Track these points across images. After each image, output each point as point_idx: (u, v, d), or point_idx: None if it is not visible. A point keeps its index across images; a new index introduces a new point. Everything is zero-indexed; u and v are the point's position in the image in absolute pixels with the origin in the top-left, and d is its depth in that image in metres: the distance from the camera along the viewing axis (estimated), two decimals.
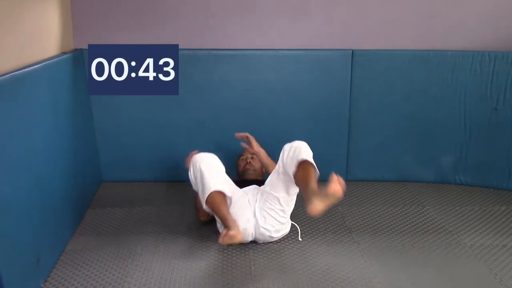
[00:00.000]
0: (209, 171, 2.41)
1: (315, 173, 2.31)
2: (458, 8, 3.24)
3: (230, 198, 2.41)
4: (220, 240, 2.19)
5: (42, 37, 2.65)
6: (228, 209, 2.35)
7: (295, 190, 2.49)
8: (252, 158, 3.06)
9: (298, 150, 2.38)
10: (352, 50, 3.24)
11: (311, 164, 2.34)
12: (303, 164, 2.33)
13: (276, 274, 2.34)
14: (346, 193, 3.27)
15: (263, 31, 3.28)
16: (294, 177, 2.36)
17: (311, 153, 2.44)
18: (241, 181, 2.81)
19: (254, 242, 2.59)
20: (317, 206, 2.08)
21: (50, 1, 2.78)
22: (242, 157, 3.12)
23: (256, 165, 3.05)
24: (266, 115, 3.36)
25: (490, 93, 3.20)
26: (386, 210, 3.05)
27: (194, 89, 3.25)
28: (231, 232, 2.17)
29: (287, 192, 2.49)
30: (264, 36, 3.29)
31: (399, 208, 3.09)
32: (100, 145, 3.35)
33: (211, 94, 3.30)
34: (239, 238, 2.19)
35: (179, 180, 3.42)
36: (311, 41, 3.29)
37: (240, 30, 3.27)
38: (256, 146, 2.95)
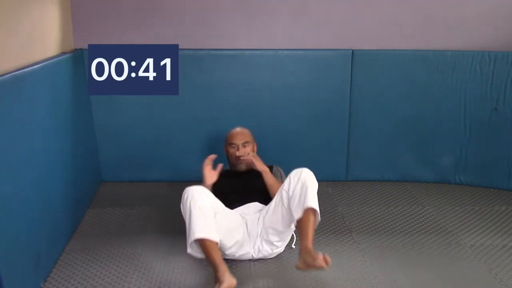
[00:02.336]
0: (197, 214, 2.23)
1: (316, 221, 2.25)
2: (458, 8, 3.24)
3: (217, 243, 2.22)
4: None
5: (42, 37, 2.65)
6: (220, 255, 2.19)
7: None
8: (243, 146, 2.75)
9: (305, 191, 2.24)
10: (352, 50, 3.24)
11: (315, 212, 2.24)
12: (307, 211, 2.22)
13: (276, 274, 2.34)
14: (346, 193, 3.30)
15: (263, 31, 3.28)
16: (297, 222, 2.25)
17: (316, 185, 2.32)
18: (233, 174, 2.75)
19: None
20: (301, 266, 2.11)
21: (50, 1, 2.78)
22: (233, 146, 2.78)
23: (247, 156, 2.73)
24: (266, 115, 3.36)
25: (490, 93, 3.20)
26: (386, 210, 3.05)
27: (194, 89, 3.25)
28: (225, 286, 2.02)
29: (289, 226, 2.39)
30: (264, 36, 3.29)
31: (399, 208, 3.09)
32: (100, 145, 3.35)
33: (211, 94, 3.30)
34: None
35: (179, 180, 3.42)
36: (311, 41, 3.29)
37: (240, 30, 3.27)
38: (260, 166, 2.65)
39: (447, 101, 3.28)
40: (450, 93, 3.26)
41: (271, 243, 2.42)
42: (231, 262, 2.42)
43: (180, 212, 2.97)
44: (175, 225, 2.82)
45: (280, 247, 2.48)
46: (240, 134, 2.80)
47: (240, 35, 3.28)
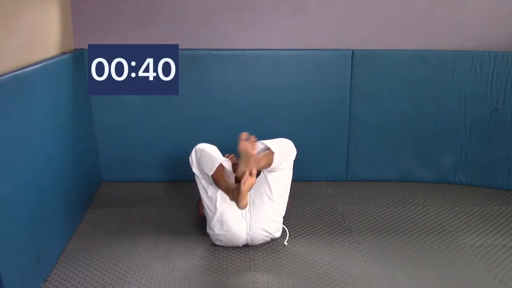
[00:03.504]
0: (212, 150, 2.53)
1: (268, 157, 2.40)
2: (458, 8, 3.24)
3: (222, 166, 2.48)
4: (244, 182, 2.24)
5: (42, 37, 2.65)
6: (229, 181, 2.45)
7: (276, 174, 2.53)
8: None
9: (275, 142, 2.47)
10: (352, 50, 3.24)
11: (271, 152, 2.42)
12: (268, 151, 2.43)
13: (276, 274, 2.34)
14: (346, 193, 3.30)
15: (263, 31, 3.28)
16: None
17: (288, 149, 2.54)
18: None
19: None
20: (239, 172, 2.32)
21: (50, 1, 2.78)
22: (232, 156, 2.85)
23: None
24: (266, 115, 3.36)
25: (490, 93, 3.20)
26: (386, 210, 3.05)
27: (194, 89, 3.25)
28: (247, 175, 2.25)
29: (272, 182, 2.51)
30: (264, 36, 3.29)
31: (399, 208, 3.09)
32: (100, 145, 3.35)
33: (211, 94, 3.31)
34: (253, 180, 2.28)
35: (179, 180, 3.43)
36: (311, 41, 3.29)
37: (240, 30, 3.27)
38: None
39: (447, 101, 3.28)
40: (450, 93, 3.26)
41: (264, 209, 2.51)
42: (231, 262, 2.42)
43: (180, 212, 2.99)
44: (175, 225, 2.82)
45: (276, 221, 2.56)
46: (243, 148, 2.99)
47: (240, 35, 3.28)
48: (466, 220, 2.92)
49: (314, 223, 2.85)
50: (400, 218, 2.95)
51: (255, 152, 2.32)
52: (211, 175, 2.43)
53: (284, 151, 2.50)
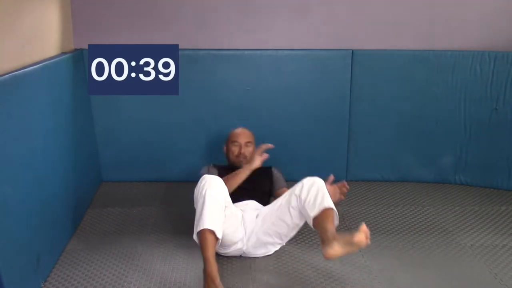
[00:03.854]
0: (210, 205, 2.21)
1: (336, 217, 2.23)
2: (458, 8, 3.24)
3: (219, 241, 2.21)
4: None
5: (42, 37, 2.65)
6: (214, 253, 2.15)
7: (300, 225, 2.41)
8: (246, 146, 2.82)
9: (322, 195, 2.24)
10: (352, 50, 3.24)
11: (334, 210, 2.23)
12: (326, 210, 2.21)
13: (276, 274, 2.34)
14: (346, 193, 3.29)
15: (263, 31, 3.28)
16: (312, 219, 2.22)
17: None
18: (233, 169, 2.73)
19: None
20: (337, 251, 2.01)
21: (50, 1, 2.78)
22: (236, 144, 2.83)
23: (249, 154, 2.79)
24: (266, 115, 3.36)
25: (490, 93, 3.20)
26: (386, 210, 3.05)
27: (194, 89, 3.25)
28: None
29: (292, 228, 2.41)
30: (264, 36, 3.28)
31: (399, 208, 3.09)
32: (100, 145, 3.35)
33: (211, 94, 3.30)
34: None
35: (179, 180, 3.43)
36: (311, 41, 3.29)
37: (240, 30, 3.27)
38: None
39: (447, 101, 3.28)
40: (450, 93, 3.26)
41: (265, 245, 2.44)
42: (231, 262, 2.42)
43: (180, 212, 2.99)
44: (175, 225, 2.82)
45: (274, 248, 2.50)
46: (244, 133, 2.88)
47: (240, 35, 3.28)
48: (466, 220, 2.92)
49: None
50: (400, 218, 2.95)
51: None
52: (196, 235, 2.21)
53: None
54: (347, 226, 2.83)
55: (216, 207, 2.22)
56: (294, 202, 2.33)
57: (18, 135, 2.05)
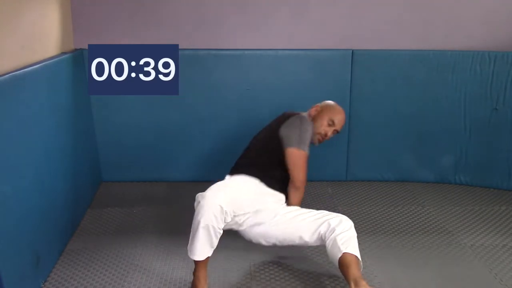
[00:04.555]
0: (203, 236, 2.09)
1: (359, 261, 2.15)
2: (458, 8, 3.24)
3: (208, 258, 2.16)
4: None
5: (42, 37, 2.65)
6: (205, 274, 2.17)
7: (308, 245, 2.34)
8: (333, 133, 2.61)
9: (347, 239, 2.16)
10: (352, 50, 3.24)
11: (357, 258, 2.14)
12: (350, 255, 2.13)
13: (276, 274, 2.34)
14: (346, 193, 3.30)
15: (263, 31, 3.28)
16: (338, 264, 2.14)
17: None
18: None
19: (252, 243, 2.55)
20: None
21: (50, 1, 2.78)
22: (331, 126, 2.57)
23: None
24: (266, 115, 3.34)
25: (490, 93, 3.20)
26: (386, 210, 3.05)
27: (194, 89, 3.25)
28: None
29: (298, 243, 2.33)
30: (264, 36, 3.29)
31: (399, 208, 3.09)
32: (100, 145, 3.35)
33: (211, 94, 3.30)
34: None
35: (179, 180, 3.43)
36: (311, 41, 3.29)
37: (240, 30, 3.27)
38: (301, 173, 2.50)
39: (447, 101, 3.28)
40: (450, 93, 3.26)
41: (262, 237, 2.39)
42: (231, 262, 2.42)
43: (180, 212, 2.99)
44: (175, 225, 2.82)
45: (265, 244, 2.42)
46: (343, 121, 2.62)
47: (240, 35, 3.28)
48: (466, 220, 2.92)
49: None
50: (400, 218, 2.95)
51: None
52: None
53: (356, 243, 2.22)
54: None
55: (210, 235, 2.09)
56: (323, 228, 2.22)
57: (18, 135, 2.05)
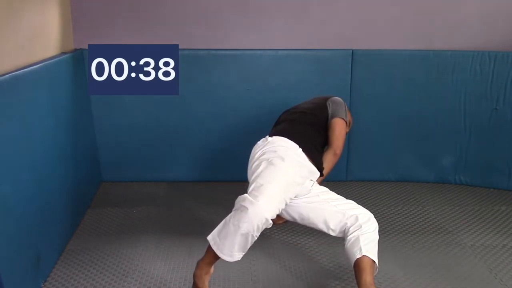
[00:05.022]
0: (242, 239, 2.00)
1: (375, 265, 2.13)
2: (458, 8, 3.24)
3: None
4: None
5: (42, 37, 2.65)
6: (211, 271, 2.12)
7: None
8: None
9: (370, 241, 2.14)
10: (352, 50, 3.24)
11: (375, 263, 2.12)
12: (367, 258, 2.10)
13: (276, 274, 2.34)
14: (346, 193, 3.29)
15: (263, 31, 3.28)
16: (354, 263, 2.13)
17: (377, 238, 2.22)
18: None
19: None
20: None
21: (50, 1, 2.78)
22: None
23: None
24: (266, 115, 3.34)
25: (490, 93, 3.20)
26: (386, 210, 3.05)
27: (194, 89, 3.25)
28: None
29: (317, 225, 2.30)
30: (264, 36, 3.29)
31: (399, 208, 3.09)
32: (100, 145, 3.35)
33: (211, 94, 3.30)
34: None
35: (179, 180, 3.43)
36: (311, 41, 3.29)
37: (240, 30, 3.27)
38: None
39: (447, 101, 3.28)
40: (450, 93, 3.26)
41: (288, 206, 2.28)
42: (231, 262, 2.42)
43: (180, 212, 2.99)
44: (175, 225, 2.82)
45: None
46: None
47: (240, 35, 3.28)
48: (466, 220, 2.92)
49: None
50: (400, 218, 2.95)
51: None
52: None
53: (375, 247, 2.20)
54: None
55: (246, 242, 2.01)
56: (350, 222, 2.19)
57: (18, 135, 2.05)
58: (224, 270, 2.36)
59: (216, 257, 2.06)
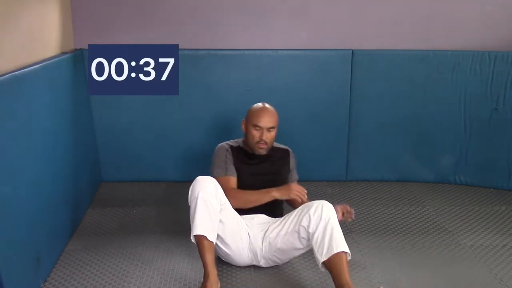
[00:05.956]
0: (203, 209, 2.14)
1: (348, 260, 2.10)
2: (458, 8, 3.24)
3: (213, 244, 2.16)
4: None
5: (42, 37, 2.65)
6: (213, 257, 2.14)
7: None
8: (268, 131, 2.51)
9: (330, 233, 2.10)
10: (352, 50, 3.25)
11: (346, 254, 2.10)
12: (342, 255, 2.08)
13: (276, 274, 2.34)
14: (346, 193, 3.30)
15: (263, 31, 3.28)
16: (323, 263, 2.10)
17: (337, 221, 2.18)
18: (250, 158, 2.51)
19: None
20: None
21: (50, 1, 2.78)
22: (257, 129, 2.47)
23: (271, 141, 2.54)
24: None
25: (490, 93, 3.20)
26: (386, 210, 3.05)
27: (194, 89, 3.26)
28: (207, 285, 2.05)
29: (300, 252, 2.32)
30: (264, 36, 3.29)
31: (399, 208, 3.09)
32: (100, 145, 3.35)
33: (210, 94, 3.31)
34: None
35: (179, 180, 3.43)
36: (311, 41, 3.29)
37: (240, 30, 3.27)
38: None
39: (447, 101, 3.29)
40: (450, 93, 3.27)
41: (274, 261, 2.36)
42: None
43: (180, 212, 2.98)
44: (175, 225, 2.82)
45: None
46: (268, 116, 2.49)
47: (240, 35, 3.28)
48: (466, 220, 2.92)
49: None
50: (400, 218, 2.95)
51: None
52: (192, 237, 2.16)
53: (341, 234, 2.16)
54: (347, 226, 2.83)
55: (209, 210, 2.14)
56: (303, 233, 2.18)
57: (18, 135, 2.05)
58: (223, 270, 2.36)
59: (204, 251, 2.10)
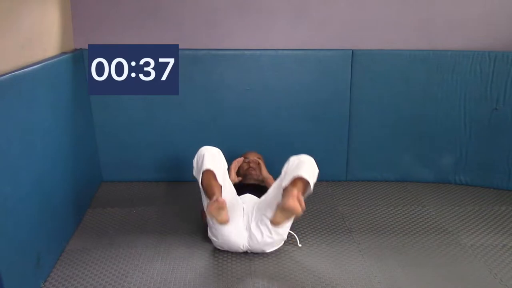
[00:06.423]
0: (209, 157, 2.39)
1: (307, 190, 2.28)
2: (458, 8, 3.24)
3: (221, 186, 2.35)
4: (209, 208, 2.14)
5: (42, 37, 2.65)
6: (220, 189, 2.31)
7: None
8: (257, 164, 2.94)
9: (300, 165, 2.33)
10: (352, 50, 3.24)
11: (305, 181, 2.27)
12: (298, 180, 2.26)
13: (276, 274, 2.34)
14: (346, 193, 3.30)
15: (263, 31, 3.28)
16: (283, 190, 2.26)
17: (316, 170, 2.41)
18: (241, 186, 2.78)
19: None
20: (278, 218, 2.20)
21: (50, 1, 2.78)
22: (246, 160, 2.98)
23: (258, 173, 2.92)
24: (266, 115, 3.36)
25: (490, 93, 3.20)
26: (386, 210, 3.05)
27: (194, 89, 3.26)
28: (220, 199, 2.14)
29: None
30: (264, 36, 3.29)
31: (399, 208, 3.09)
32: (100, 145, 3.35)
33: (211, 94, 3.30)
34: (224, 207, 2.15)
35: (179, 180, 3.43)
36: (311, 41, 3.29)
37: (240, 30, 3.27)
38: (265, 172, 2.91)
39: (447, 101, 3.28)
40: (450, 93, 3.26)
41: (262, 232, 2.41)
42: (231, 262, 2.43)
43: (180, 212, 2.99)
44: (175, 225, 2.82)
45: (276, 240, 2.45)
46: (254, 153, 3.06)
47: (240, 35, 3.28)
48: (466, 220, 2.92)
49: (314, 223, 2.85)
50: (400, 218, 2.95)
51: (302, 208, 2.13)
52: (200, 183, 2.38)
53: (314, 174, 2.39)
54: (347, 226, 2.83)
55: (215, 160, 2.39)
56: (281, 180, 2.39)
57: (18, 135, 2.05)
58: (223, 270, 2.36)
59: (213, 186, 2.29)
